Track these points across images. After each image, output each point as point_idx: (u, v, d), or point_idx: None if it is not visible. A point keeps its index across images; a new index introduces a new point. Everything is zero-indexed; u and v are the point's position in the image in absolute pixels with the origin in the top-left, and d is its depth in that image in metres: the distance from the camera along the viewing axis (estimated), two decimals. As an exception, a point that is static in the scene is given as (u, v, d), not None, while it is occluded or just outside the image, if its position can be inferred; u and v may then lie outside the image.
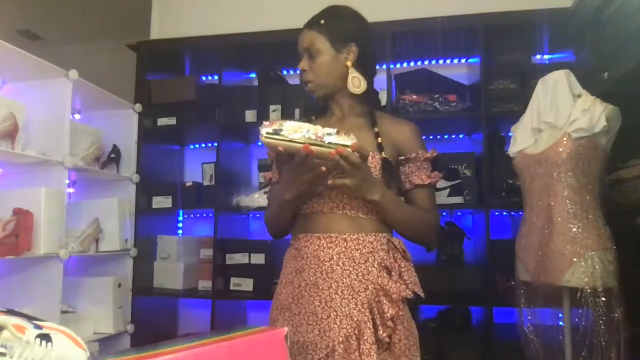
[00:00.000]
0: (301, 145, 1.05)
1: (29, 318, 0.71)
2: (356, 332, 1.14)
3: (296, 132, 1.05)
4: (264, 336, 0.81)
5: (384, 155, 1.24)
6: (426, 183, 1.28)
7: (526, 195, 1.88)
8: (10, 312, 0.71)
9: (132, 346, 2.50)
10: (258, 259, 2.57)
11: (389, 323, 1.14)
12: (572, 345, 1.73)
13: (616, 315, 1.62)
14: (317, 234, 1.22)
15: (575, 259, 1.66)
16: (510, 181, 2.27)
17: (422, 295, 1.21)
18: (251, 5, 2.89)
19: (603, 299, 1.62)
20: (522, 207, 1.93)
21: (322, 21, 1.28)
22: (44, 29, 4.33)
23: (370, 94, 1.35)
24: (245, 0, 2.93)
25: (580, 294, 1.65)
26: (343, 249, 1.20)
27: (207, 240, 2.75)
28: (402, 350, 1.15)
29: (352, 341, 1.13)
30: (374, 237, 1.22)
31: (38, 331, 0.67)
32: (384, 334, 1.13)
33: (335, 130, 1.06)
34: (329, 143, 1.05)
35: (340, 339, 1.13)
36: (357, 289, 1.17)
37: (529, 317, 1.86)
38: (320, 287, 1.19)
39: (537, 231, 1.78)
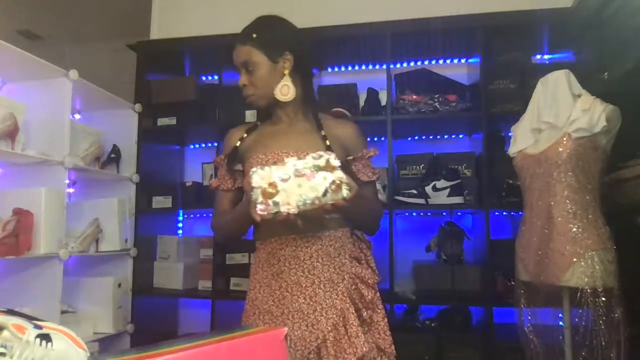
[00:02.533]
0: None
1: (29, 318, 0.71)
2: (341, 319, 1.24)
3: (290, 200, 1.03)
4: (264, 336, 0.81)
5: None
6: (373, 179, 1.37)
7: (526, 195, 1.88)
8: (10, 312, 0.72)
9: (132, 346, 2.50)
10: (258, 259, 2.57)
11: (370, 305, 1.28)
12: (572, 345, 1.73)
13: (616, 315, 1.62)
14: (292, 236, 1.27)
15: (575, 259, 1.66)
16: (510, 181, 2.27)
17: (379, 278, 1.36)
18: (251, 5, 2.89)
19: (603, 299, 1.62)
20: (522, 207, 1.93)
21: (255, 35, 1.30)
22: (44, 29, 4.33)
23: (310, 97, 1.39)
24: (246, 1, 2.93)
25: (580, 294, 1.65)
26: (320, 246, 1.27)
27: (207, 240, 2.75)
28: (383, 329, 1.29)
29: (339, 328, 1.23)
30: (341, 232, 1.31)
31: (38, 331, 0.68)
32: (366, 313, 1.27)
33: (329, 180, 1.04)
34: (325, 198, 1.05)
35: (329, 329, 1.23)
36: (336, 281, 1.27)
37: (529, 317, 1.86)
38: (304, 285, 1.26)
39: (537, 231, 1.78)
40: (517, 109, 2.24)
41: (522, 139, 1.90)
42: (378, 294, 1.33)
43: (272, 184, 1.03)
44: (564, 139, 1.72)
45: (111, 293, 2.43)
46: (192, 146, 3.10)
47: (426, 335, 2.34)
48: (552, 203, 1.73)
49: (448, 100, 2.45)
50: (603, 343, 1.62)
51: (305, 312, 1.25)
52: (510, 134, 2.02)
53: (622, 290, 1.65)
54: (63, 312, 2.15)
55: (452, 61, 2.79)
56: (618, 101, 1.70)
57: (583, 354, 1.67)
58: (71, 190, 2.58)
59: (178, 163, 3.06)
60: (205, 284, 2.68)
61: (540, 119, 1.82)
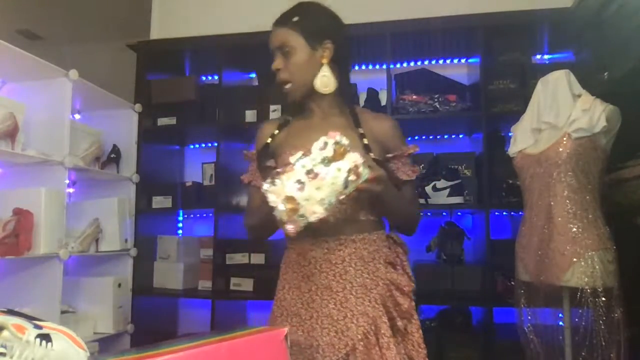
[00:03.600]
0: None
1: (29, 318, 0.71)
2: (373, 327, 1.16)
3: (314, 207, 0.95)
4: (264, 336, 0.81)
5: (372, 156, 1.21)
6: (412, 178, 1.29)
7: (526, 195, 1.88)
8: (10, 312, 0.72)
9: (132, 346, 2.50)
10: (258, 259, 2.57)
11: (406, 314, 1.18)
12: (572, 345, 1.73)
13: (616, 315, 1.62)
14: (323, 238, 1.20)
15: (575, 259, 1.66)
16: (510, 181, 2.28)
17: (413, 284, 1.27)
18: (251, 5, 2.89)
19: (603, 299, 1.62)
20: (522, 207, 1.93)
21: (295, 18, 1.23)
22: (44, 29, 4.33)
23: (347, 91, 1.32)
24: (245, 0, 2.93)
25: (580, 294, 1.65)
26: (353, 250, 1.20)
27: (207, 240, 2.75)
28: (417, 341, 1.20)
29: (370, 337, 1.15)
30: (376, 236, 1.24)
31: (38, 331, 0.68)
32: (402, 323, 1.18)
33: (345, 170, 0.95)
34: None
35: (359, 337, 1.15)
36: (369, 287, 1.19)
37: (529, 317, 1.86)
38: (335, 290, 1.19)
39: (537, 231, 1.78)
40: (517, 109, 2.24)
41: (522, 139, 1.90)
42: (413, 302, 1.23)
43: (290, 199, 0.94)
44: (564, 139, 1.72)
45: (111, 293, 2.43)
46: (192, 146, 3.10)
47: (426, 335, 2.31)
48: (552, 203, 1.73)
49: (448, 100, 2.45)
50: (603, 343, 1.62)
51: (335, 318, 1.18)
52: (510, 134, 2.02)
53: (622, 290, 1.65)
54: (63, 312, 2.15)
55: (452, 61, 2.79)
56: (618, 101, 1.70)
57: (583, 354, 1.67)
58: (71, 190, 2.58)
59: (178, 163, 3.06)
60: (205, 284, 2.68)
61: (540, 119, 1.82)
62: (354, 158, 0.96)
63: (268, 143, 1.30)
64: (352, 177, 0.95)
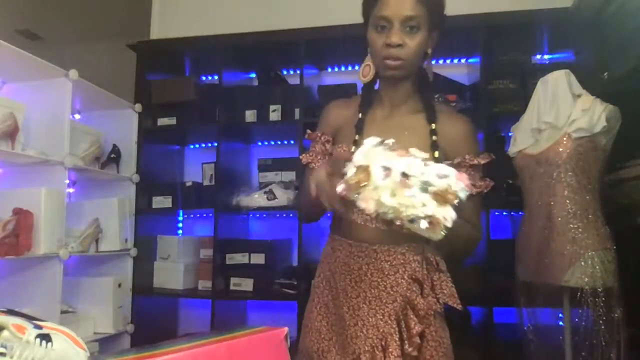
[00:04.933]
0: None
1: (29, 318, 0.71)
2: (382, 343, 1.09)
3: (370, 203, 0.83)
4: (264, 336, 0.81)
5: (436, 155, 1.12)
6: (476, 192, 1.14)
7: (526, 195, 1.88)
8: (10, 312, 0.72)
9: (132, 346, 2.50)
10: (258, 259, 2.57)
11: (415, 339, 1.08)
12: (572, 345, 1.73)
13: (616, 315, 1.62)
14: (349, 241, 1.16)
15: (575, 259, 1.66)
16: (510, 181, 2.27)
17: (459, 307, 1.14)
18: (251, 5, 2.89)
19: (603, 299, 1.62)
20: (522, 207, 1.93)
21: None
22: (44, 29, 4.33)
23: (426, 84, 1.22)
24: (245, 0, 2.93)
25: (580, 294, 1.65)
26: (372, 260, 1.13)
27: (207, 240, 2.75)
28: None
29: (377, 352, 1.09)
30: (406, 249, 1.13)
31: (38, 331, 0.68)
32: (410, 349, 1.08)
33: (425, 212, 0.80)
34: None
35: (366, 348, 1.10)
36: (384, 301, 1.12)
37: (529, 317, 1.86)
38: (349, 295, 1.15)
39: (537, 231, 1.78)
40: (517, 109, 2.24)
41: (522, 139, 1.90)
42: (437, 323, 1.12)
43: (366, 171, 0.82)
44: (564, 139, 1.72)
45: (111, 293, 2.43)
46: (192, 146, 3.10)
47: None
48: (552, 203, 1.73)
49: (448, 100, 2.44)
50: (603, 343, 1.63)
51: (347, 323, 1.13)
52: (510, 134, 2.02)
53: (622, 290, 1.65)
54: (63, 312, 2.15)
55: (452, 61, 2.79)
56: (618, 101, 1.71)
57: (583, 354, 1.67)
58: (71, 190, 2.58)
59: (178, 163, 3.05)
60: (205, 284, 2.68)
61: (540, 119, 1.82)
62: (448, 215, 0.80)
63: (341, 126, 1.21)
64: (424, 224, 0.80)
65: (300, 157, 1.27)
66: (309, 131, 1.29)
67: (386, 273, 1.12)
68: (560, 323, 1.80)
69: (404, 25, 1.08)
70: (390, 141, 0.86)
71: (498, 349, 2.18)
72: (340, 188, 0.86)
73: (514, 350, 1.92)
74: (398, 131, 1.09)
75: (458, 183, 0.81)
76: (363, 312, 1.12)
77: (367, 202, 0.83)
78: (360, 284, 1.14)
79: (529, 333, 1.84)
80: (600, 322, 1.63)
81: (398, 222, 0.83)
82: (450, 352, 1.16)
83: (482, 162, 1.16)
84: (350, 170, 0.84)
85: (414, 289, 1.11)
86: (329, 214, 1.21)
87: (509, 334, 2.05)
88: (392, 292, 1.12)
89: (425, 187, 0.80)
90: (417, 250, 1.13)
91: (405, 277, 1.12)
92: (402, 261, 1.12)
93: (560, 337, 1.77)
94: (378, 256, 1.13)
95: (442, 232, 0.81)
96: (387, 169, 0.82)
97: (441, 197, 0.80)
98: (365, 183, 0.82)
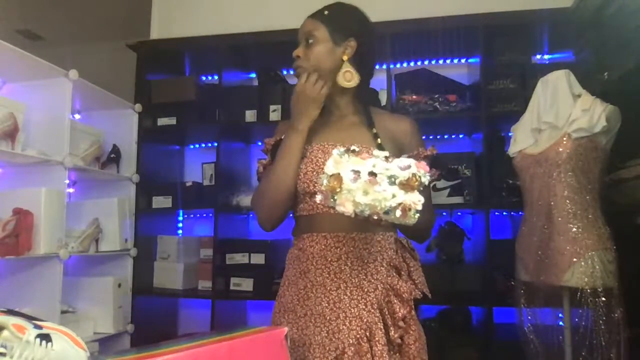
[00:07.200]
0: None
1: (29, 318, 0.71)
2: (367, 333, 1.11)
3: (347, 204, 0.91)
4: (264, 336, 0.81)
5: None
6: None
7: (526, 195, 1.88)
8: (10, 312, 0.72)
9: (132, 346, 2.50)
10: (258, 259, 2.57)
11: (401, 323, 1.12)
12: (572, 345, 1.73)
13: (616, 315, 1.62)
14: (322, 234, 1.19)
15: (575, 259, 1.66)
16: (510, 181, 2.27)
17: (429, 295, 1.21)
18: (251, 5, 2.89)
19: (603, 299, 1.62)
20: (522, 207, 1.93)
21: (326, 12, 1.27)
22: (44, 29, 4.33)
23: (365, 92, 1.33)
24: (245, 0, 2.93)
25: (580, 294, 1.65)
26: (351, 249, 1.16)
27: (207, 240, 2.75)
28: (413, 354, 1.13)
29: (363, 343, 1.10)
30: (381, 237, 1.19)
31: (38, 331, 0.68)
32: (396, 335, 1.11)
33: (397, 201, 0.89)
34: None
35: (351, 341, 1.11)
36: (366, 289, 1.15)
37: (529, 317, 1.86)
38: (328, 288, 1.16)
39: (537, 231, 1.78)
40: (517, 109, 2.24)
41: (522, 139, 1.90)
42: (414, 312, 1.17)
43: (338, 178, 0.91)
44: (564, 139, 1.72)
45: (111, 293, 2.43)
46: (192, 146, 3.10)
47: (426, 335, 2.33)
48: (552, 203, 1.73)
49: (448, 100, 2.45)
50: (603, 343, 1.63)
51: (328, 318, 1.14)
52: (510, 134, 2.02)
53: (622, 290, 1.65)
54: (63, 312, 2.15)
55: (452, 61, 2.79)
56: (618, 101, 1.71)
57: (583, 354, 1.67)
58: (71, 190, 2.58)
59: (178, 163, 3.06)
60: (205, 284, 2.68)
61: (540, 119, 1.83)
62: (416, 199, 0.90)
63: (282, 138, 1.30)
64: (398, 213, 0.89)
65: (259, 161, 1.37)
66: (265, 139, 1.39)
67: (365, 261, 1.17)
68: (560, 323, 1.80)
69: (304, 42, 1.27)
70: (355, 147, 0.97)
71: (498, 349, 2.19)
72: (318, 198, 0.95)
73: (514, 350, 1.92)
74: (345, 130, 1.25)
75: (420, 170, 0.91)
76: (344, 303, 1.14)
77: (344, 205, 0.91)
78: (340, 275, 1.16)
79: (529, 333, 1.84)
80: (600, 322, 1.63)
81: (375, 217, 0.91)
82: (425, 345, 1.23)
83: (430, 154, 1.25)
84: (324, 180, 0.93)
85: (394, 274, 1.17)
86: (290, 214, 1.29)
87: (509, 334, 2.05)
88: (373, 280, 1.16)
89: (392, 180, 0.90)
90: (391, 237, 1.21)
91: (384, 264, 1.18)
92: (379, 248, 1.19)
93: (560, 337, 1.77)
94: (356, 244, 1.17)
95: (414, 216, 0.90)
96: (356, 172, 0.90)
97: (408, 186, 0.90)
98: (339, 189, 0.90)
